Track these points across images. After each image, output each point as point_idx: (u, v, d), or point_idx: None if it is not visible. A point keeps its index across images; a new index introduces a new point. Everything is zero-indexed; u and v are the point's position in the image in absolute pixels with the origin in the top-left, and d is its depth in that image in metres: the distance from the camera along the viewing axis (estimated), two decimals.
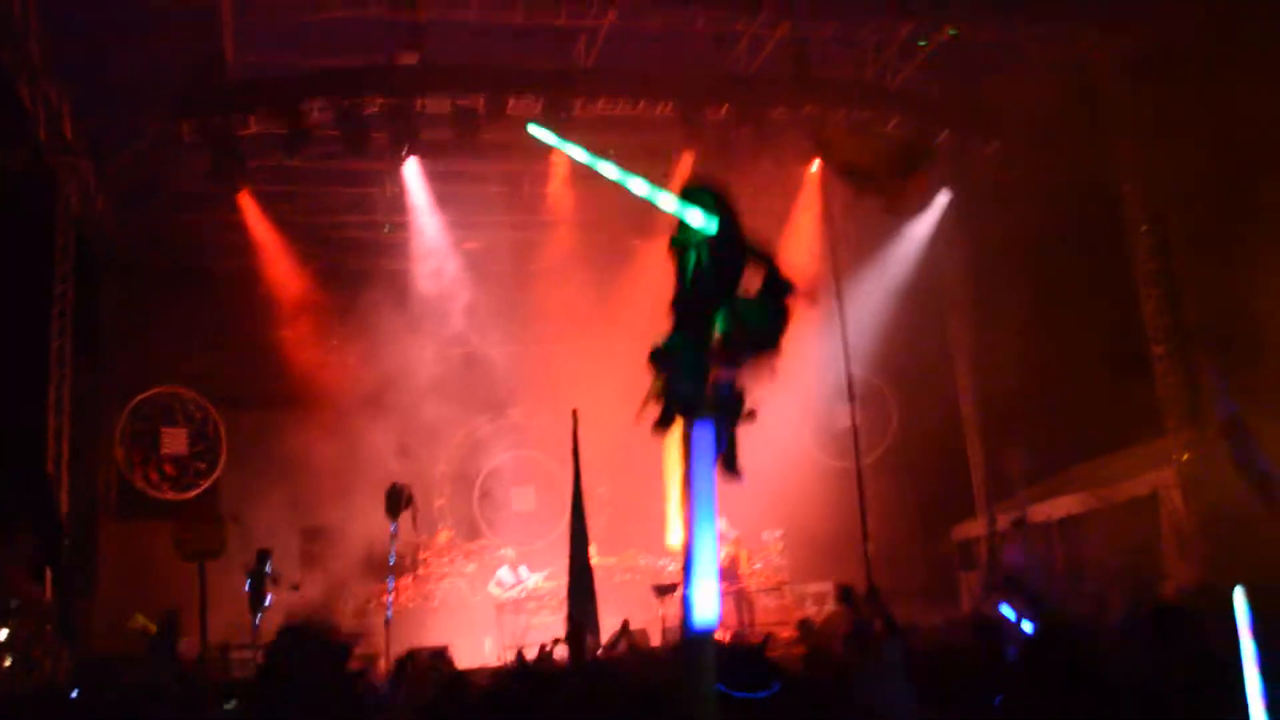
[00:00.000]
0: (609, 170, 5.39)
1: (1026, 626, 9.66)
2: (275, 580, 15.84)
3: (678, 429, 4.69)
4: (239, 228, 19.12)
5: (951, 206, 20.40)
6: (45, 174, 16.58)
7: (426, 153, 17.98)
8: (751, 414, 4.84)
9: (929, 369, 21.61)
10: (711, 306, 4.86)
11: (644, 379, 4.86)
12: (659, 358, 4.89)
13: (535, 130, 6.99)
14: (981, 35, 17.61)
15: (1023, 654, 6.60)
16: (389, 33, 16.23)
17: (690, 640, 4.58)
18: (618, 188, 16.72)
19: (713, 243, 4.78)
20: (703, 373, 4.81)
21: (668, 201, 4.92)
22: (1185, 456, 16.53)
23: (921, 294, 20.97)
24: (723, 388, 4.84)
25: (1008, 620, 10.11)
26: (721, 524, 19.30)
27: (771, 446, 19.21)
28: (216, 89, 16.11)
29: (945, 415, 21.54)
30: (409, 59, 16.18)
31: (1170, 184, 16.58)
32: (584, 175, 18.23)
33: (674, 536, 4.68)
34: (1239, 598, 4.58)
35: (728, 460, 4.96)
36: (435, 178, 18.96)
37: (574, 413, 9.11)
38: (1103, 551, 17.38)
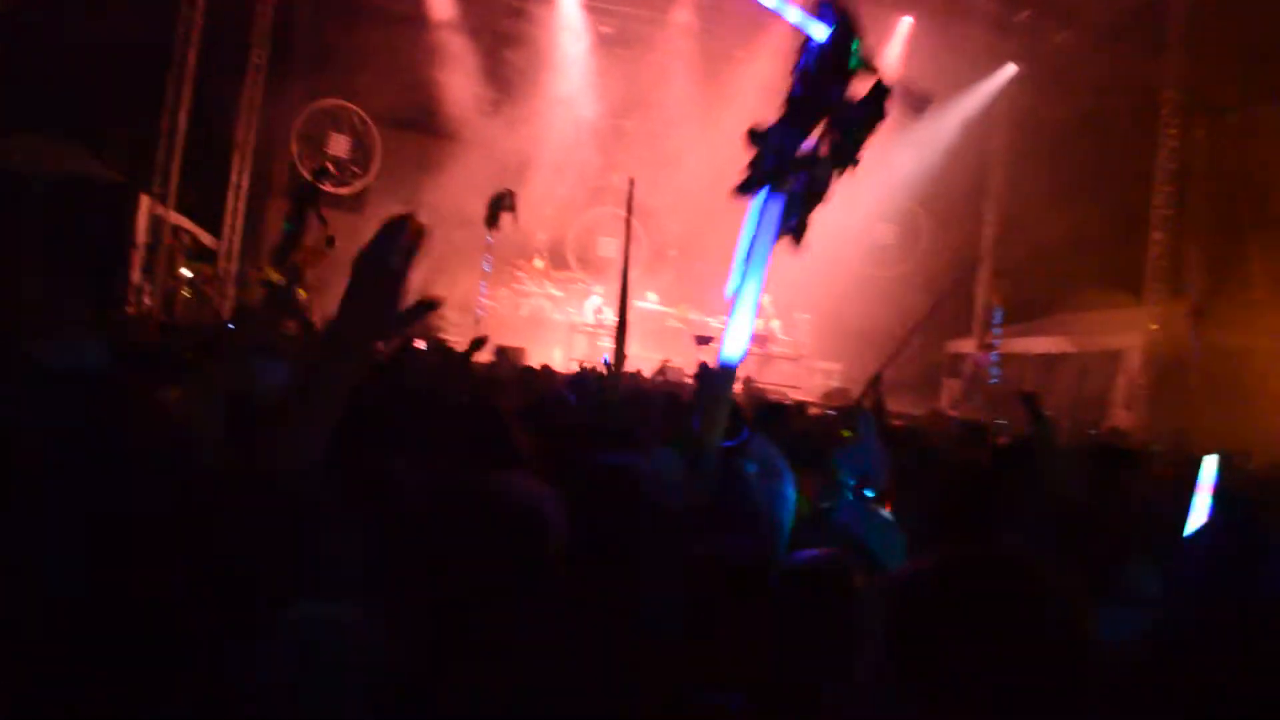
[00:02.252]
0: None
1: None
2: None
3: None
4: None
5: (1015, 79, 19.59)
6: None
7: None
8: (821, 197, 4.82)
9: (961, 207, 21.22)
10: (814, 105, 4.61)
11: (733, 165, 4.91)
12: (755, 136, 4.69)
13: None
14: None
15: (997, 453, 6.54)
16: None
17: (720, 370, 4.79)
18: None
19: (824, 48, 4.54)
20: (789, 156, 4.63)
21: (793, 13, 4.76)
22: (1155, 327, 16.33)
23: (970, 145, 20.38)
24: (803, 174, 4.63)
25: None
26: (765, 299, 19.52)
27: (816, 248, 19.19)
28: None
29: (966, 248, 21.25)
30: None
31: (1207, 99, 15.78)
32: None
33: (730, 287, 4.73)
34: (1209, 463, 4.55)
35: (796, 234, 4.74)
36: None
37: (630, 180, 8.93)
38: (1066, 389, 17.38)
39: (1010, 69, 19.49)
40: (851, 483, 4.65)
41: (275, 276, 13.80)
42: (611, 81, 19.83)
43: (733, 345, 4.69)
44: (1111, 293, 16.77)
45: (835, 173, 4.77)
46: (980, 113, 20.21)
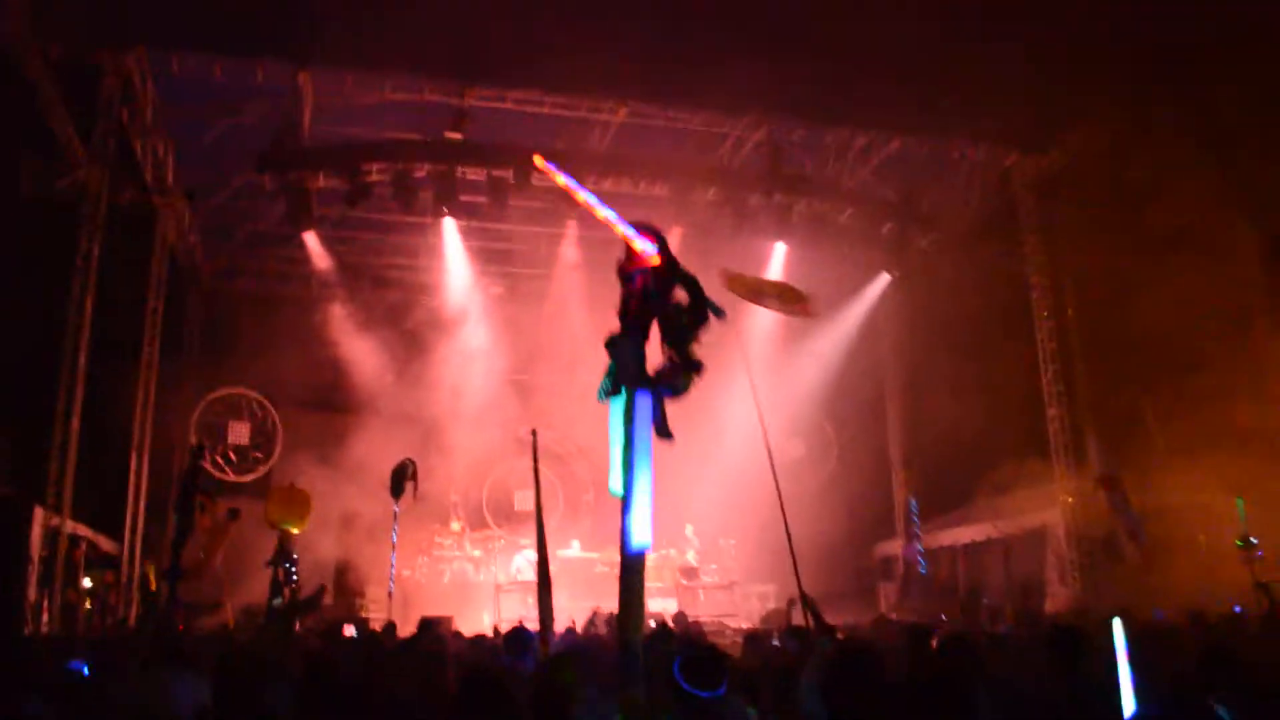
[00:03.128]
0: (590, 202, 5.80)
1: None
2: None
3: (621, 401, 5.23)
4: (305, 262, 19.22)
5: (892, 286, 20.51)
6: (149, 211, 16.71)
7: (465, 212, 18.00)
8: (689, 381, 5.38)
9: (866, 414, 21.72)
10: (650, 313, 5.42)
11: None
12: (610, 345, 5.39)
13: (539, 161, 7.29)
14: (923, 148, 17.84)
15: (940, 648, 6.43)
16: (439, 113, 16.32)
17: (627, 562, 4.84)
18: (615, 250, 16.91)
19: (655, 269, 5.39)
20: (640, 358, 5.30)
21: (629, 233, 5.46)
22: (1070, 500, 16.62)
23: (863, 354, 21.13)
24: (659, 372, 5.35)
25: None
26: (688, 530, 19.36)
27: (731, 472, 19.32)
28: (294, 150, 16.19)
29: (877, 452, 21.61)
30: (454, 135, 16.17)
31: (1069, 278, 16.77)
32: (588, 241, 18.44)
33: (614, 484, 4.77)
34: (1117, 627, 4.41)
35: (660, 426, 5.33)
36: (470, 233, 19.05)
37: (533, 432, 9.26)
38: (998, 573, 17.41)
39: (885, 277, 20.41)
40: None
41: (153, 582, 13.17)
42: (509, 337, 20.23)
43: (638, 534, 4.83)
44: (1025, 467, 17.09)
45: (685, 374, 5.28)
46: (866, 320, 21.01)
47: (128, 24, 13.61)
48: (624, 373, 5.26)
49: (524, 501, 21.08)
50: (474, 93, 15.91)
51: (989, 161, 18.11)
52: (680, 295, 5.48)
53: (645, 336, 5.40)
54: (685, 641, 7.83)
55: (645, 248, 5.37)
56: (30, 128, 13.74)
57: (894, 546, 20.49)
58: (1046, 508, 17.04)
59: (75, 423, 14.36)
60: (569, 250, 19.47)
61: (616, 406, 5.20)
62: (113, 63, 14.38)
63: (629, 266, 5.48)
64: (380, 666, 6.71)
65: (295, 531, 15.05)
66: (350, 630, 13.05)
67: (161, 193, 16.74)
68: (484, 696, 3.73)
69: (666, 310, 5.41)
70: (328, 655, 7.48)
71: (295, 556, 15.40)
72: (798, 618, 9.93)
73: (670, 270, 5.40)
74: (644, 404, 5.20)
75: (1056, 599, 15.92)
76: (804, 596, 6.66)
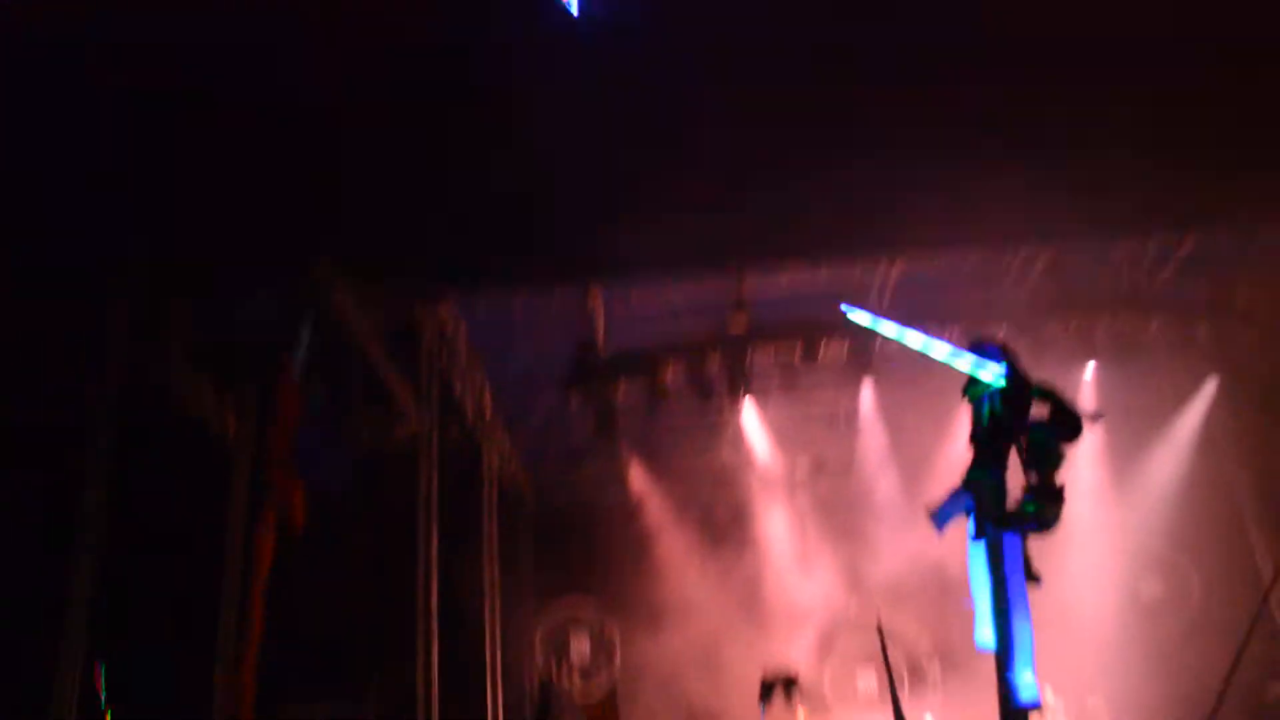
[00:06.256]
0: (914, 339, 5.66)
1: None
2: None
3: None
4: (619, 470, 20.11)
5: (1221, 390, 18.90)
6: (474, 444, 18.14)
7: (759, 392, 18.43)
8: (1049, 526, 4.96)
9: (1223, 536, 19.65)
10: (1005, 439, 5.08)
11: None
12: (970, 484, 5.08)
13: (850, 312, 7.28)
14: (1225, 237, 16.65)
15: None
16: (722, 304, 16.90)
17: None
18: (920, 399, 16.80)
19: (1002, 390, 5.07)
20: (1002, 494, 4.96)
21: (964, 362, 5.20)
22: None
23: (1205, 469, 19.32)
24: (1022, 508, 4.93)
25: None
26: (1046, 693, 17.89)
27: (1083, 617, 17.93)
28: (591, 366, 17.28)
29: (1248, 578, 19.37)
30: (739, 323, 16.71)
31: None
32: (887, 401, 18.29)
33: (981, 635, 4.56)
34: None
35: (1027, 569, 4.97)
36: (768, 409, 19.40)
37: (879, 625, 9.14)
38: None
39: (1212, 384, 18.91)
40: None
41: None
42: (824, 507, 20.19)
43: (1025, 690, 4.51)
44: None
45: (1052, 506, 4.85)
46: (1200, 432, 19.37)
47: (442, 278, 15.17)
48: (987, 512, 5.01)
49: (868, 680, 20.36)
50: (750, 280, 16.45)
51: None
52: (1039, 412, 5.18)
53: (1003, 467, 5.11)
54: None
55: (988, 371, 5.13)
56: (364, 386, 15.36)
57: None
58: None
59: (435, 655, 15.36)
60: (869, 407, 19.36)
61: (977, 551, 4.90)
62: (429, 316, 16.04)
63: (975, 389, 5.25)
64: None
65: None
66: None
67: (483, 425, 18.19)
68: None
69: (1028, 431, 5.10)
70: None
71: None
72: None
73: (1020, 390, 5.11)
74: (1013, 545, 4.93)
75: None
76: None
